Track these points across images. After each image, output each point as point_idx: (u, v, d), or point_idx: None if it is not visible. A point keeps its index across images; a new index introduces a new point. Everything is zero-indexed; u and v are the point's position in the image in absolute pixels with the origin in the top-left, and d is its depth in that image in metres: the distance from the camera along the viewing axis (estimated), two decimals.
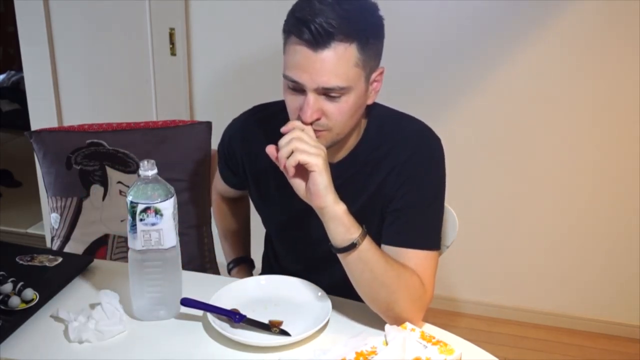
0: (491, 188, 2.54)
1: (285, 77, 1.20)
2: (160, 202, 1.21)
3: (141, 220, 1.20)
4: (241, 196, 1.68)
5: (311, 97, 1.18)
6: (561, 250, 2.55)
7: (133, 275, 1.27)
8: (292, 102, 1.22)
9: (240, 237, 1.74)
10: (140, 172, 1.21)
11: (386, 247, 1.29)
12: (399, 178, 1.30)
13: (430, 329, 1.25)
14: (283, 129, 1.19)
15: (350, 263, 1.22)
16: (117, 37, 2.67)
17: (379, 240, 1.31)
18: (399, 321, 1.23)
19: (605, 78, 2.31)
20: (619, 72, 2.29)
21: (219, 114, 2.53)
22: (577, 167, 2.44)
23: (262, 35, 2.53)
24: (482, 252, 2.62)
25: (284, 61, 1.20)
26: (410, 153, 1.30)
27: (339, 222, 1.19)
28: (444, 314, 2.66)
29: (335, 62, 1.15)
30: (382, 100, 1.37)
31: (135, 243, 1.23)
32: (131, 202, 1.20)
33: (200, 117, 2.66)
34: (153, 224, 1.21)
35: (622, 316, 2.55)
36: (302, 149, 1.16)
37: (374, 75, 1.25)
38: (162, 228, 1.22)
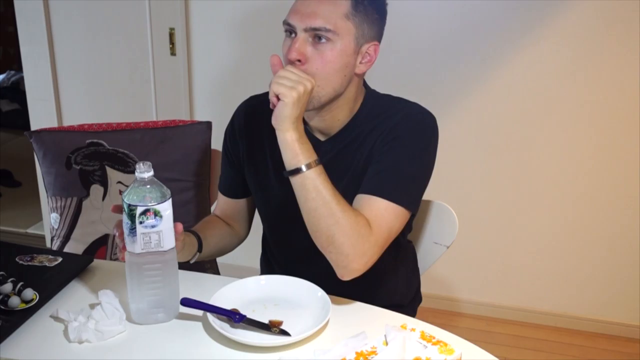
0: (490, 188, 2.54)
1: (283, 24, 1.30)
2: (159, 203, 1.20)
3: (141, 222, 1.19)
4: (235, 216, 1.61)
5: (300, 36, 1.27)
6: (561, 250, 2.55)
7: (132, 280, 1.25)
8: (285, 47, 1.31)
9: (207, 232, 1.54)
10: (137, 174, 1.20)
11: (357, 197, 1.32)
12: (385, 140, 1.34)
13: (430, 329, 1.25)
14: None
15: (296, 188, 1.27)
16: (117, 37, 2.67)
17: None
18: (339, 259, 1.25)
19: (604, 78, 2.31)
20: (619, 72, 2.29)
21: (219, 114, 2.55)
22: (577, 167, 2.44)
23: (261, 35, 2.53)
24: (482, 252, 2.62)
25: None
26: (399, 119, 1.36)
27: (288, 147, 1.25)
28: (444, 314, 2.65)
29: (326, 5, 1.26)
30: None
31: (135, 246, 1.21)
32: (129, 205, 1.19)
33: (200, 117, 2.66)
34: (153, 226, 1.20)
35: (622, 316, 2.55)
36: (279, 81, 1.23)
37: (366, 46, 1.31)
38: (162, 230, 1.21)
